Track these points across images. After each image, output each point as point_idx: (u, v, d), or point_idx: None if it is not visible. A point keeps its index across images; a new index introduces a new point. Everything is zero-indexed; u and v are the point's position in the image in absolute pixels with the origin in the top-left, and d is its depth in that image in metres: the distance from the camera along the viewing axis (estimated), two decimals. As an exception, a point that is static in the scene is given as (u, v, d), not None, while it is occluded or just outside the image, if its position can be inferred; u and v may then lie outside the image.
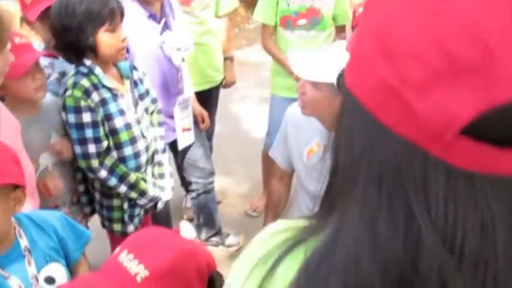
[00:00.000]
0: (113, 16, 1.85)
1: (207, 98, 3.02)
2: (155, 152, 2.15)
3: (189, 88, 2.54)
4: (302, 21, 2.76)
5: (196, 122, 2.59)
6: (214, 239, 2.89)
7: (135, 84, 2.08)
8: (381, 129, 0.44)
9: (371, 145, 0.46)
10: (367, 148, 0.46)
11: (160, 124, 2.19)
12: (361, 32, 0.49)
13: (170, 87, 2.38)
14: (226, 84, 3.12)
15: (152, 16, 2.24)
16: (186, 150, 2.58)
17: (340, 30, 2.96)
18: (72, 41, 1.83)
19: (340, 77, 0.52)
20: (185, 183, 2.84)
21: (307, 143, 1.88)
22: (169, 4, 2.35)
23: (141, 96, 2.09)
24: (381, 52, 0.44)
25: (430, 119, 0.41)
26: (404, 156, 0.44)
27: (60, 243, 1.45)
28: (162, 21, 2.27)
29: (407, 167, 0.43)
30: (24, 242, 1.37)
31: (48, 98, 1.95)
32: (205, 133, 3.24)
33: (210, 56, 2.89)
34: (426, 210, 0.42)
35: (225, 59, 3.04)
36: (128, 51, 2.20)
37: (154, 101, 2.16)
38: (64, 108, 1.87)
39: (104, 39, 1.84)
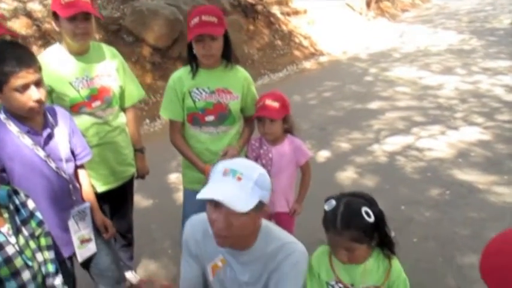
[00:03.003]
0: None
1: (121, 195, 2.91)
2: (46, 276, 1.98)
3: (88, 196, 2.35)
4: (210, 118, 2.62)
5: (99, 231, 2.41)
6: None
7: (16, 210, 1.92)
8: None
9: None
10: None
11: (49, 247, 2.02)
12: None
13: (61, 200, 2.18)
14: (138, 176, 3.00)
15: (31, 131, 2.05)
16: (90, 259, 2.40)
17: (248, 120, 2.79)
18: None
19: None
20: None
21: (211, 259, 1.81)
22: (53, 112, 2.17)
23: (24, 222, 1.91)
24: None
25: None
26: None
27: None
28: (45, 133, 2.09)
29: None
30: None
31: None
32: (123, 227, 3.09)
33: (118, 153, 2.76)
34: None
35: (136, 150, 2.92)
36: (4, 170, 2.05)
37: (40, 223, 1.97)
38: None
39: None
